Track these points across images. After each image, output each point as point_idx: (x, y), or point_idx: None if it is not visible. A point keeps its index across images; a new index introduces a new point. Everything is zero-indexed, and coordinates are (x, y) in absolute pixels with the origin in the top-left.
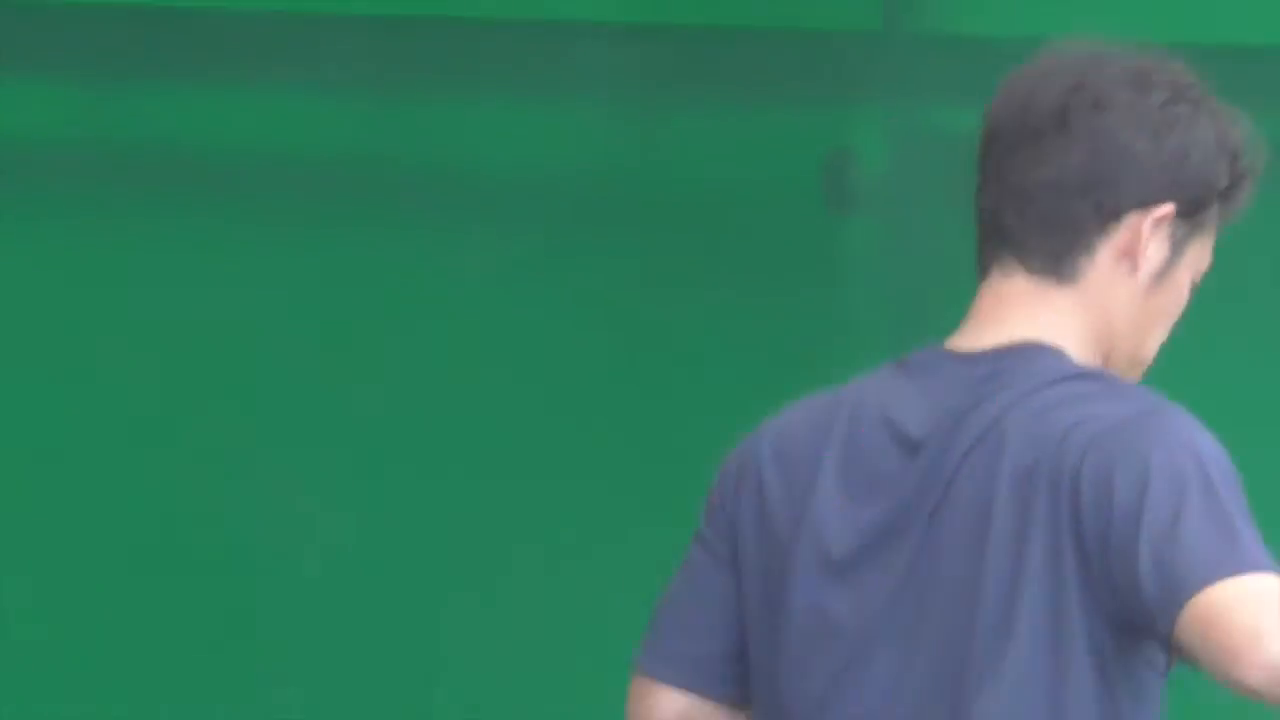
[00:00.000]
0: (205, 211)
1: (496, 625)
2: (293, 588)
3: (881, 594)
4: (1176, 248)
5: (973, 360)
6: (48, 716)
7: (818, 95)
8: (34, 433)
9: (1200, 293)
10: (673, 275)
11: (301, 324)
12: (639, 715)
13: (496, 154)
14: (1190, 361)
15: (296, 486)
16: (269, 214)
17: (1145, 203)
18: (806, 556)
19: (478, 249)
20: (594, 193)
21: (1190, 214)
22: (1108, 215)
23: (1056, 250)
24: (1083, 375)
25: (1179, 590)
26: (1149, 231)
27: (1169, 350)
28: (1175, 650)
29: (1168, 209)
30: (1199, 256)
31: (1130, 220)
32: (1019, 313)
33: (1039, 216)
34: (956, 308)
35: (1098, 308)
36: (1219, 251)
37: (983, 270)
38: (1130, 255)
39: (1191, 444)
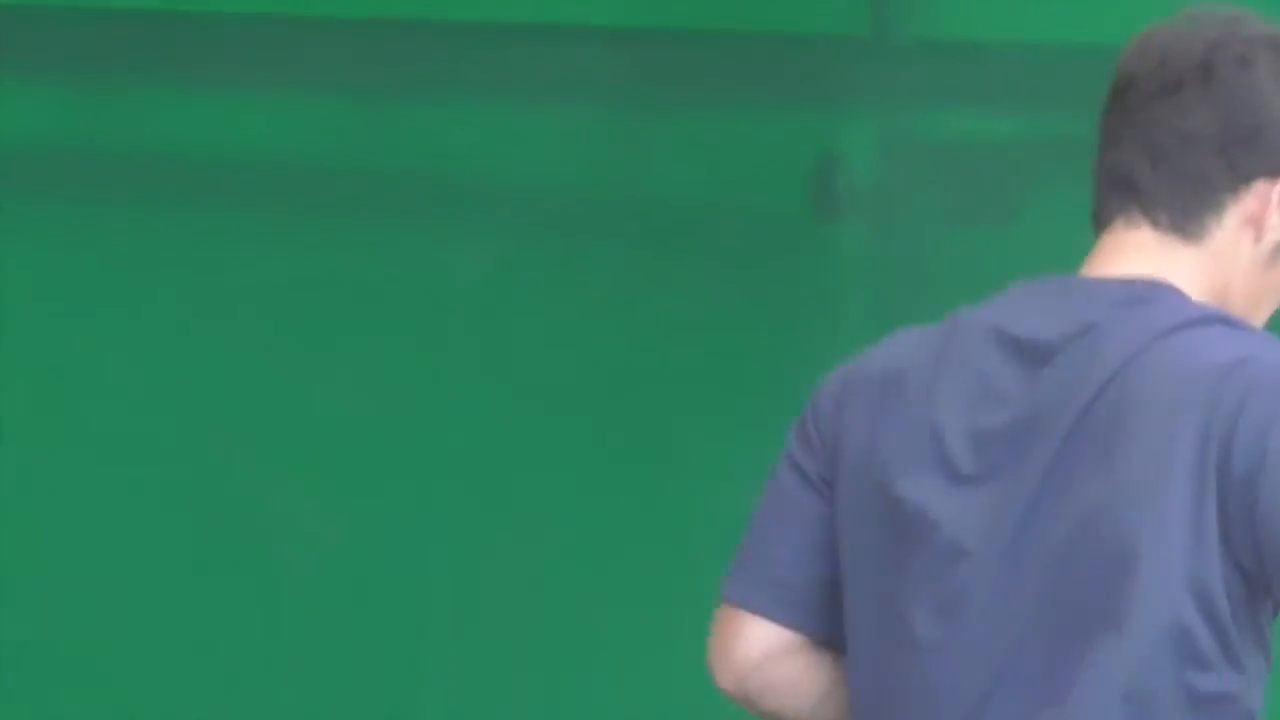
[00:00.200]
0: (197, 215)
1: (484, 628)
2: (287, 589)
3: (1005, 508)
4: None
5: (1104, 283)
6: (46, 716)
7: (806, 100)
8: (28, 433)
9: None
10: (661, 280)
11: (292, 327)
12: (725, 646)
13: (484, 158)
14: None
15: (285, 488)
16: (260, 217)
17: (1276, 171)
18: (925, 466)
19: (467, 253)
20: (582, 197)
21: None
22: (1240, 177)
23: (1186, 206)
24: (1226, 319)
25: None
26: (1278, 201)
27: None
28: None
29: None
30: None
31: (1259, 187)
32: (1142, 259)
33: (1171, 170)
34: (945, 313)
35: (1219, 271)
36: None
37: (1104, 223)
38: (1256, 223)
39: None
